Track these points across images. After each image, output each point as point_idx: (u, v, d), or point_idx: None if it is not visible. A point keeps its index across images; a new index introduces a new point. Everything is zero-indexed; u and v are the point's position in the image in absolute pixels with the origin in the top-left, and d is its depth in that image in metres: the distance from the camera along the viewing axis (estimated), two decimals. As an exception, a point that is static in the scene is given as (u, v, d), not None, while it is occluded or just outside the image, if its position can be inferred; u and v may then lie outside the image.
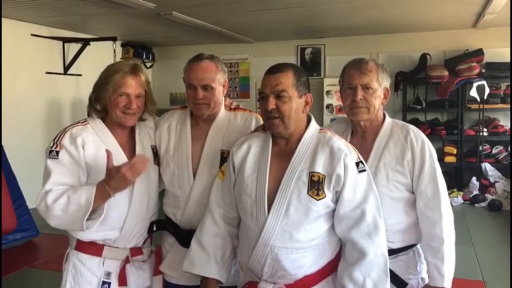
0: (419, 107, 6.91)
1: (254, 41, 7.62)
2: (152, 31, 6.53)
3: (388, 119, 1.89)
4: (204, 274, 1.76)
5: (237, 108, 2.04)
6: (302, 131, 1.67)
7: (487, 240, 4.77)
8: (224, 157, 1.87)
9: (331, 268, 1.67)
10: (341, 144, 1.64)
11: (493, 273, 3.84)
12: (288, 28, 6.52)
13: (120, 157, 1.83)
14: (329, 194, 1.59)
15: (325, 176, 1.59)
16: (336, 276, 1.66)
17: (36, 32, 5.95)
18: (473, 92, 6.39)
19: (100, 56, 6.24)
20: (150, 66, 8.16)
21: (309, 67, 7.49)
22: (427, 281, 1.84)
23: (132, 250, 1.92)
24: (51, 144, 1.80)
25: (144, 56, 7.86)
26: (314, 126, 1.70)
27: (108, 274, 1.87)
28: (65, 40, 6.37)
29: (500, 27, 6.36)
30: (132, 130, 1.96)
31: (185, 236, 1.90)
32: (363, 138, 1.88)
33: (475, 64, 6.44)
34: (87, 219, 1.70)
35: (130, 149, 1.92)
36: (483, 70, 6.48)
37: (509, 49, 6.24)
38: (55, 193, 1.71)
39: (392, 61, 6.78)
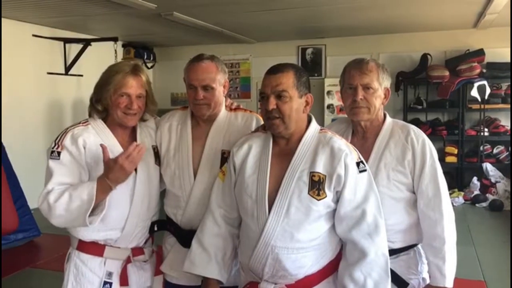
0: (420, 107, 6.91)
1: (255, 42, 7.62)
2: (153, 31, 6.54)
3: (388, 119, 1.89)
4: (205, 274, 1.76)
5: (237, 109, 2.04)
6: (302, 131, 1.67)
7: (488, 240, 4.77)
8: (225, 157, 1.87)
9: (331, 268, 1.67)
10: (342, 144, 1.64)
11: (494, 273, 3.84)
12: (288, 28, 6.53)
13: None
14: (329, 194, 1.59)
15: (325, 176, 1.59)
16: (337, 276, 1.67)
17: (38, 33, 5.96)
18: (474, 92, 6.39)
19: (101, 56, 6.25)
20: (151, 67, 8.17)
21: (310, 67, 7.49)
22: (428, 281, 1.84)
23: (133, 250, 1.92)
24: (53, 145, 1.80)
25: (145, 57, 7.87)
26: (314, 126, 1.70)
27: (110, 274, 1.87)
28: (66, 40, 6.38)
29: (501, 27, 6.35)
30: (133, 130, 1.96)
31: (185, 236, 1.90)
32: (363, 138, 1.88)
33: (476, 64, 6.43)
34: (89, 215, 1.70)
35: (131, 150, 1.92)
36: (484, 70, 6.48)
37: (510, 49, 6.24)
38: (56, 192, 1.72)
39: (392, 61, 6.78)
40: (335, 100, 7.22)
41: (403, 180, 1.80)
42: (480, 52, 6.55)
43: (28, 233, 4.61)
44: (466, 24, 6.41)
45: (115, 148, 1.85)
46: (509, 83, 6.46)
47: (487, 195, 6.24)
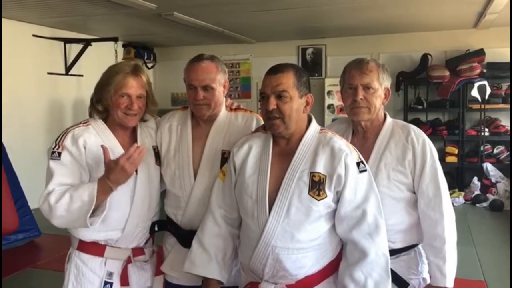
0: (420, 107, 6.91)
1: (255, 42, 7.62)
2: (153, 31, 6.54)
3: (389, 119, 1.89)
4: (205, 274, 1.76)
5: (237, 109, 2.04)
6: (303, 132, 1.67)
7: (489, 240, 4.77)
8: (225, 157, 1.87)
9: (332, 268, 1.67)
10: (342, 144, 1.64)
11: (495, 273, 3.84)
12: (289, 28, 6.53)
13: (121, 158, 1.84)
14: (330, 194, 1.59)
15: (326, 176, 1.59)
16: (337, 276, 1.67)
17: (38, 33, 5.96)
18: (474, 92, 6.39)
19: (102, 56, 6.25)
20: (152, 67, 8.18)
21: (310, 67, 7.49)
22: (428, 281, 1.84)
23: (134, 250, 1.92)
24: (53, 145, 1.80)
25: (146, 57, 7.87)
26: (314, 126, 1.70)
27: (110, 274, 1.87)
28: (67, 40, 6.38)
29: (501, 27, 6.35)
30: (133, 130, 1.96)
31: (186, 237, 1.90)
32: (364, 138, 1.88)
33: (476, 64, 6.43)
34: (90, 216, 1.70)
35: (131, 150, 1.92)
36: (485, 70, 6.48)
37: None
38: (57, 193, 1.72)
39: (393, 61, 6.78)
40: (335, 100, 7.22)
41: (404, 180, 1.80)
42: (480, 52, 6.54)
43: (28, 233, 4.61)
44: (467, 24, 6.41)
45: (115, 148, 1.85)
46: (510, 83, 6.45)
47: (487, 195, 6.23)
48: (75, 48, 6.46)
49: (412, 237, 1.85)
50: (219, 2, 4.88)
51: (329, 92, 7.29)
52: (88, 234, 1.84)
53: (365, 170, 1.63)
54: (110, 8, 4.90)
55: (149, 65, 8.00)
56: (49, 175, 1.77)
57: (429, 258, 1.82)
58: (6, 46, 5.40)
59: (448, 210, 1.79)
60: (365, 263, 1.59)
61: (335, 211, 1.63)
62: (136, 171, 1.83)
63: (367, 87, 1.80)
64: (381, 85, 1.82)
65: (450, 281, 1.78)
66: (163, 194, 2.04)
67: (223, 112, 1.98)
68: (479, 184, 6.41)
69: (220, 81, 1.90)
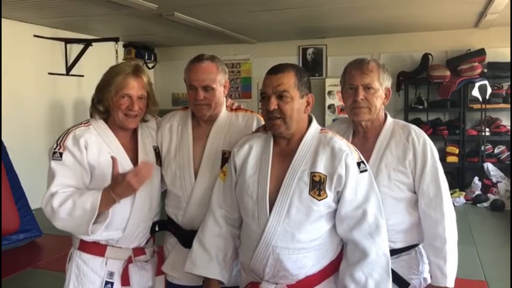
0: (421, 107, 6.91)
1: (256, 42, 7.62)
2: (154, 31, 6.54)
3: (389, 119, 1.89)
4: (206, 275, 1.76)
5: (238, 109, 2.04)
6: (303, 132, 1.67)
7: (489, 240, 4.77)
8: (226, 157, 1.87)
9: (332, 268, 1.67)
10: (342, 144, 1.64)
11: (496, 273, 3.83)
12: (289, 28, 6.53)
13: (123, 158, 1.84)
14: (330, 194, 1.59)
15: (326, 176, 1.59)
16: (338, 276, 1.67)
17: (39, 33, 5.97)
18: (475, 92, 6.39)
19: (102, 56, 6.26)
20: (152, 67, 8.19)
21: (311, 67, 7.49)
22: (429, 281, 1.84)
23: (134, 250, 1.92)
24: (55, 146, 1.80)
25: (146, 57, 7.87)
26: (315, 126, 1.70)
27: (111, 274, 1.87)
28: (67, 41, 6.39)
29: (502, 27, 6.34)
30: (134, 131, 1.96)
31: (186, 237, 1.90)
32: (364, 138, 1.88)
33: (477, 64, 6.43)
34: (93, 223, 1.71)
35: (132, 150, 1.92)
36: (485, 70, 6.48)
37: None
38: (61, 196, 1.72)
39: (393, 61, 6.78)
40: (336, 100, 7.22)
41: (404, 180, 1.80)
42: (481, 52, 6.54)
43: (29, 233, 4.62)
44: (467, 24, 6.41)
45: (116, 149, 1.85)
46: (510, 83, 6.45)
47: (488, 195, 6.23)
48: (75, 48, 6.47)
49: (413, 237, 1.85)
50: (220, 2, 4.89)
51: (329, 92, 7.28)
52: (90, 234, 1.84)
53: (365, 170, 1.63)
54: (110, 8, 4.91)
55: (150, 65, 8.01)
56: (51, 175, 1.77)
57: (430, 258, 1.82)
58: (7, 46, 5.41)
59: (449, 210, 1.79)
60: (365, 263, 1.59)
61: (335, 211, 1.63)
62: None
63: (367, 87, 1.80)
64: (381, 85, 1.82)
65: (451, 281, 1.78)
66: (163, 194, 2.04)
67: (223, 112, 1.98)
68: (480, 184, 6.41)
69: (220, 81, 1.90)
